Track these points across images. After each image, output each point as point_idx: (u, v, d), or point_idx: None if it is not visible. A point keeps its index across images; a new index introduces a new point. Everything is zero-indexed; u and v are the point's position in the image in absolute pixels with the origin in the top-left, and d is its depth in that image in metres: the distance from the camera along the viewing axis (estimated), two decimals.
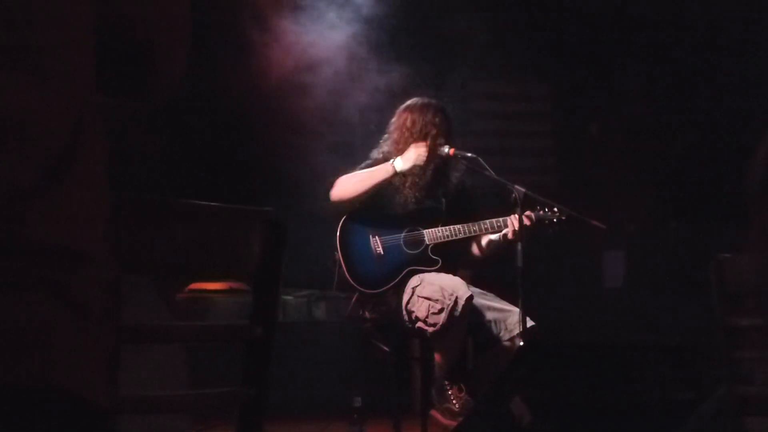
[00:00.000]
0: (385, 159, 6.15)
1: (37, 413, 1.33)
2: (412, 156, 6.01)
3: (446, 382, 5.81)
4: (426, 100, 6.27)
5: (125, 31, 1.52)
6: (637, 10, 9.24)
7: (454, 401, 5.78)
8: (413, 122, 6.13)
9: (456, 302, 5.67)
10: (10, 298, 1.31)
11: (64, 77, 1.39)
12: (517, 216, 5.82)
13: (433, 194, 6.17)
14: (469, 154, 6.09)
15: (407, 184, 6.10)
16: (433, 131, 6.09)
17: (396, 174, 6.04)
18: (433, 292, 5.76)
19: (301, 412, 7.05)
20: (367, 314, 6.07)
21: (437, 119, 6.15)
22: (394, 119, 6.26)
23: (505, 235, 6.02)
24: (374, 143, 6.46)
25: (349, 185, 6.06)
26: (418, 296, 5.83)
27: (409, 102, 6.27)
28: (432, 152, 6.03)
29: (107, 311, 1.46)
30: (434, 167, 6.14)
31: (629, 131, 9.27)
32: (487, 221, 6.04)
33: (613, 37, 9.33)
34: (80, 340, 1.38)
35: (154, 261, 2.07)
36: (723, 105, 8.40)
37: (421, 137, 6.08)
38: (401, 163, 6.02)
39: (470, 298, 5.71)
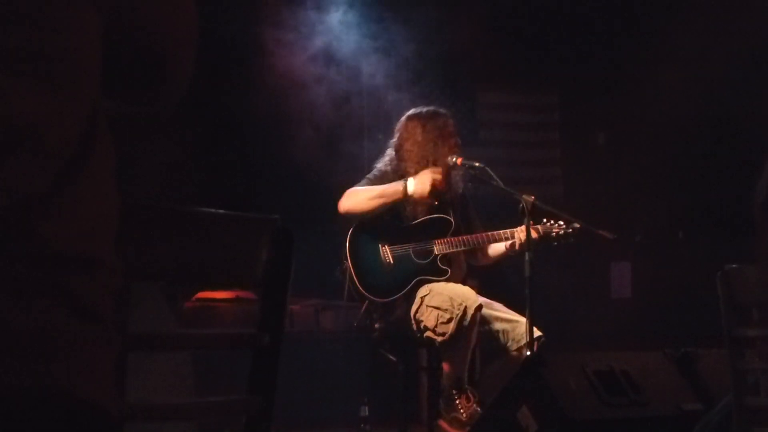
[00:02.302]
0: (395, 171, 6.15)
1: (45, 418, 1.33)
2: (426, 182, 5.98)
3: (454, 392, 5.81)
4: (433, 109, 6.26)
5: (134, 38, 1.53)
6: (646, 22, 9.24)
7: (461, 411, 5.78)
8: (423, 130, 6.12)
9: (465, 312, 5.67)
10: (20, 304, 1.31)
11: (73, 83, 1.39)
12: (524, 227, 5.82)
13: (442, 204, 6.17)
14: (477, 164, 6.09)
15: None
16: (444, 141, 6.08)
17: (406, 195, 6.02)
18: (442, 301, 5.77)
19: (308, 421, 7.05)
20: (375, 324, 6.07)
21: (446, 125, 6.15)
22: (400, 128, 6.23)
23: (512, 245, 6.02)
24: (380, 150, 6.45)
25: (359, 200, 6.03)
26: (427, 305, 5.84)
27: (415, 111, 6.25)
28: (445, 182, 6.03)
29: (115, 318, 1.46)
30: (448, 176, 6.13)
31: (636, 142, 9.27)
32: (495, 232, 6.05)
33: (621, 49, 9.33)
34: (88, 347, 1.38)
35: (161, 268, 2.08)
36: (731, 116, 8.39)
37: (432, 144, 6.07)
38: (413, 186, 5.99)
39: (479, 307, 5.72)
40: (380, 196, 6.02)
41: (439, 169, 6.02)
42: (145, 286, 4.00)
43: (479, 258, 6.32)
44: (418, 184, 5.99)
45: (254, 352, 2.18)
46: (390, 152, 6.25)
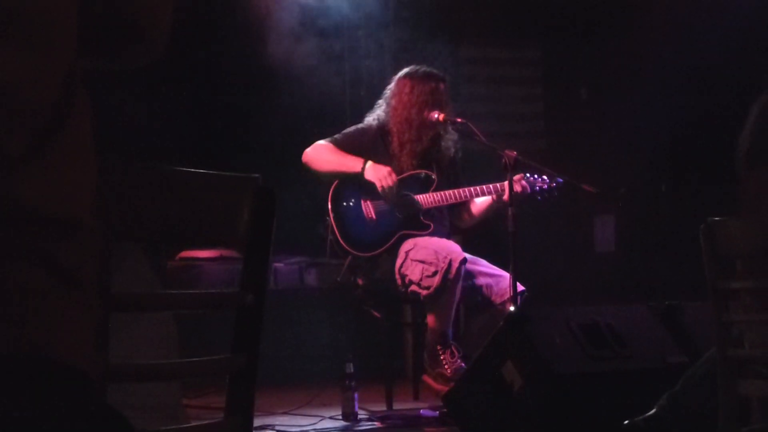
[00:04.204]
0: (380, 127, 6.16)
1: (26, 382, 1.33)
2: (381, 176, 6.00)
3: (439, 347, 5.83)
4: (427, 69, 6.25)
5: None
6: None
7: (446, 366, 5.80)
8: (411, 90, 6.12)
9: (450, 265, 5.69)
10: None
11: (49, 44, 1.37)
12: (507, 183, 5.83)
13: (427, 161, 6.17)
14: (459, 120, 6.09)
15: (405, 151, 6.11)
16: (431, 106, 6.07)
17: (357, 175, 6.04)
18: (427, 255, 5.79)
19: (293, 379, 7.06)
20: (359, 280, 6.09)
21: (436, 90, 6.13)
22: (392, 85, 6.25)
23: (499, 195, 6.01)
24: (363, 107, 6.45)
25: (320, 158, 6.07)
26: (412, 260, 5.86)
27: (409, 69, 6.25)
28: (396, 195, 6.04)
29: (96, 280, 1.45)
30: (430, 134, 6.13)
31: (619, 96, 9.25)
32: (478, 187, 6.05)
33: (603, 2, 9.29)
34: (69, 309, 1.37)
35: (142, 229, 2.06)
36: (714, 68, 8.38)
37: (418, 106, 6.06)
38: (369, 171, 6.01)
39: (464, 260, 5.74)
40: (338, 164, 6.07)
41: (395, 177, 6.02)
42: (127, 247, 3.98)
43: (464, 217, 6.33)
44: (373, 171, 6.00)
45: (238, 311, 2.18)
46: (380, 103, 6.26)
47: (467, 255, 5.89)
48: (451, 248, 5.83)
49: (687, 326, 4.95)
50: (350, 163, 6.05)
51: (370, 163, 6.03)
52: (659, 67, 8.87)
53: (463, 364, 5.74)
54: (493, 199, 6.09)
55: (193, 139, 8.32)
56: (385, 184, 5.99)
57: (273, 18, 8.10)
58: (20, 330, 1.31)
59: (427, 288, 5.76)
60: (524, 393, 4.55)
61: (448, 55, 8.95)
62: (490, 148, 5.95)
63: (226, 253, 7.87)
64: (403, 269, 5.90)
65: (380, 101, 6.30)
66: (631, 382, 4.61)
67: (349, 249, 6.01)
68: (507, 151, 5.79)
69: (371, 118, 6.27)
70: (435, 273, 5.73)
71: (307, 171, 6.11)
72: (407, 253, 5.92)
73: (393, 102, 6.17)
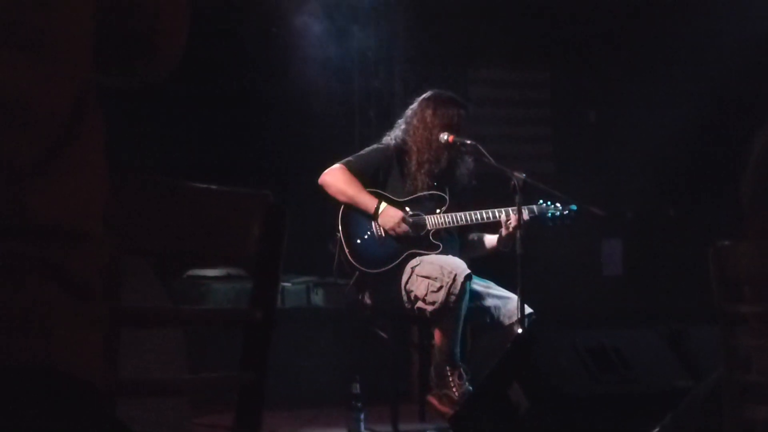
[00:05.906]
0: (398, 147, 6.16)
1: (35, 395, 1.33)
2: (393, 225, 6.03)
3: (447, 368, 5.82)
4: (452, 96, 6.27)
5: (127, 13, 1.52)
6: None
7: (453, 389, 5.79)
8: (434, 112, 6.13)
9: (455, 280, 5.70)
10: (9, 279, 1.30)
11: (63, 57, 1.38)
12: (515, 209, 5.85)
13: (441, 183, 6.18)
14: (468, 141, 6.10)
15: (423, 171, 6.11)
16: (450, 131, 6.08)
17: (370, 217, 6.07)
18: (432, 270, 5.81)
19: (300, 399, 7.05)
20: (366, 300, 6.09)
21: (458, 115, 6.15)
22: (414, 106, 6.25)
23: (504, 232, 6.02)
24: (372, 128, 6.45)
25: (335, 187, 6.08)
26: (417, 275, 5.87)
27: (433, 93, 6.26)
28: (405, 237, 6.06)
29: (106, 293, 1.45)
30: (448, 157, 6.14)
31: (627, 119, 9.26)
32: (488, 211, 6.05)
33: (612, 25, 9.30)
34: (78, 322, 1.38)
35: (152, 243, 2.07)
36: (723, 91, 8.38)
37: (439, 128, 6.07)
38: (382, 218, 6.05)
39: (469, 276, 5.74)
40: (352, 199, 6.08)
41: (408, 222, 6.03)
42: (137, 262, 3.99)
43: (471, 244, 6.31)
44: (387, 216, 6.03)
45: (246, 328, 2.17)
46: (400, 122, 6.28)
47: (475, 277, 5.89)
48: (456, 264, 5.83)
49: (693, 350, 4.94)
50: (364, 202, 6.06)
51: (384, 206, 6.05)
52: (667, 90, 8.87)
53: (470, 388, 5.72)
54: (497, 242, 6.11)
55: (203, 155, 8.32)
56: (398, 233, 6.02)
57: (283, 40, 8.12)
58: (29, 342, 1.31)
59: (433, 303, 5.76)
60: (530, 415, 4.54)
61: (457, 77, 8.97)
62: (499, 170, 5.96)
63: (233, 271, 7.86)
64: (409, 285, 5.91)
65: (400, 121, 6.31)
66: (636, 405, 4.60)
67: (357, 265, 6.01)
68: (516, 174, 5.80)
69: (389, 138, 6.29)
70: (440, 288, 5.74)
71: (319, 191, 6.12)
72: (413, 269, 5.93)
73: (414, 122, 6.17)
